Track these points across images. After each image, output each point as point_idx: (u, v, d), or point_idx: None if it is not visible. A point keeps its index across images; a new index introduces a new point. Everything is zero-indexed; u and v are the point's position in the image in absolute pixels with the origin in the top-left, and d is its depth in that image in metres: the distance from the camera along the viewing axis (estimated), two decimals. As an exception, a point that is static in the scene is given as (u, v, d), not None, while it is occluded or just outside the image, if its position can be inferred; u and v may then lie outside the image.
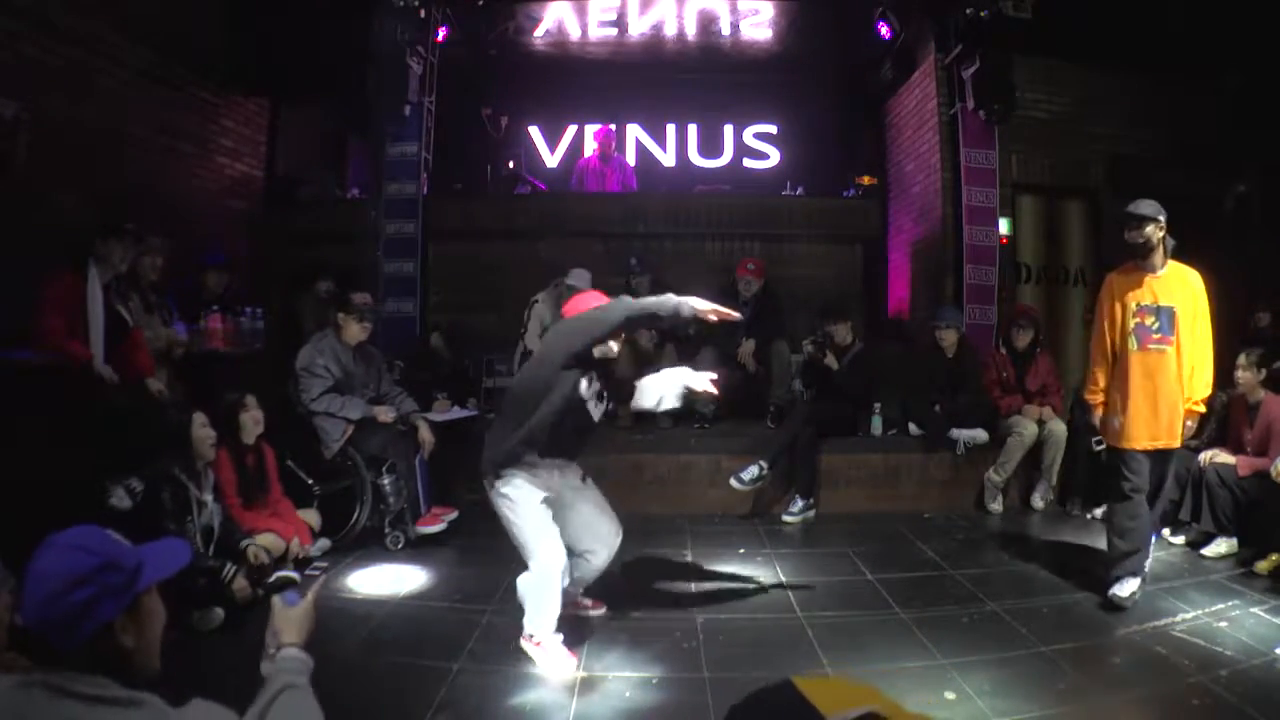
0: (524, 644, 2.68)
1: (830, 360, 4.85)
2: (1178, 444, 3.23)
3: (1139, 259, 3.21)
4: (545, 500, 2.68)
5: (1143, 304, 3.18)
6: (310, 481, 3.91)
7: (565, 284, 5.11)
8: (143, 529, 2.75)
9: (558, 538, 2.67)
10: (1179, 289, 3.18)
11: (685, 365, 5.28)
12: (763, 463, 4.38)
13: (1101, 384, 3.31)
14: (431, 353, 5.24)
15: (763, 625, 3.01)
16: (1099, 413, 3.35)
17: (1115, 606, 3.11)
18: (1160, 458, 3.25)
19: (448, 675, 2.54)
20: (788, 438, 4.53)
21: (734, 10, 7.40)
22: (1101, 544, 4.03)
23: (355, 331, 4.01)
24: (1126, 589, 3.14)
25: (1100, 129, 6.20)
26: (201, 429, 3.17)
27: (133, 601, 1.19)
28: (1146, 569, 3.26)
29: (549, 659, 2.62)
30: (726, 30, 7.41)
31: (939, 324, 4.89)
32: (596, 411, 2.77)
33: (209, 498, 3.12)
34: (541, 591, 2.62)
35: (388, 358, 4.52)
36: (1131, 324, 3.19)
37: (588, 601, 3.09)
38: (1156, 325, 3.16)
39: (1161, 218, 3.14)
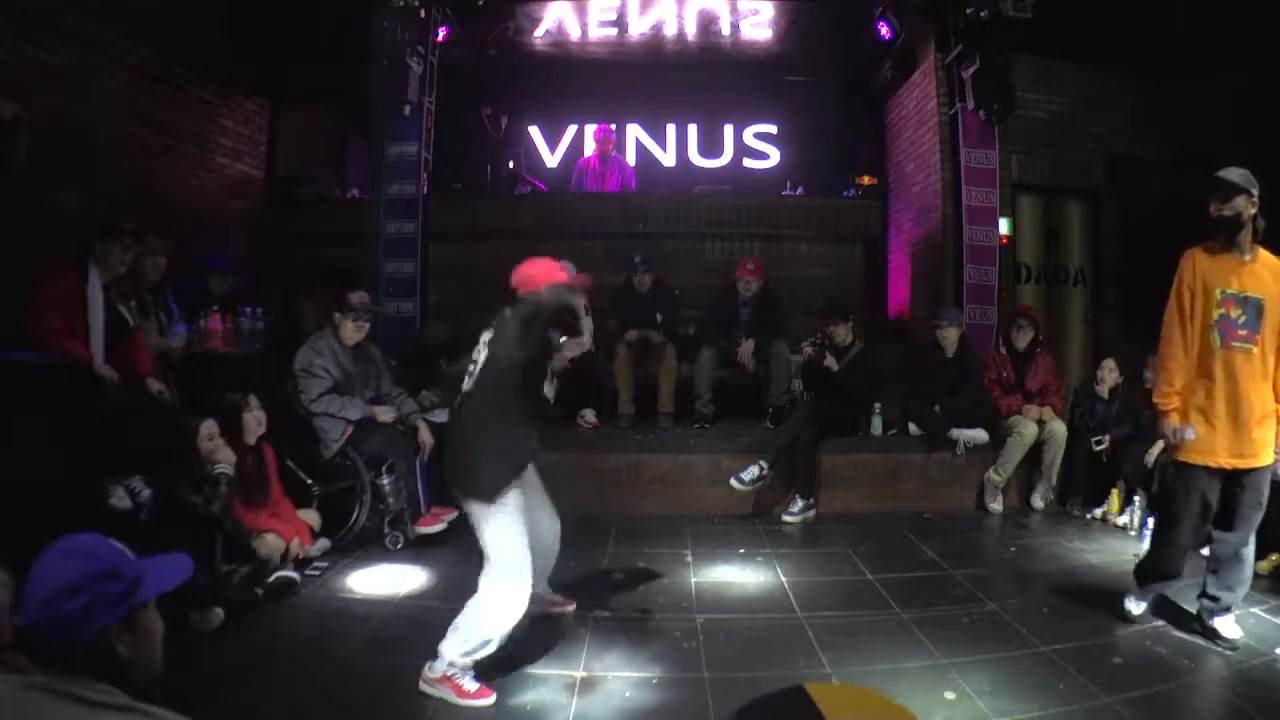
0: (432, 683, 2.40)
1: (830, 362, 4.85)
2: (1265, 461, 2.75)
3: (1226, 237, 2.75)
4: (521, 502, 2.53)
5: (1228, 292, 2.71)
6: (310, 481, 3.90)
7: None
8: (153, 533, 2.77)
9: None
10: (1269, 279, 2.73)
11: (685, 364, 5.38)
12: (763, 463, 4.39)
13: (1177, 384, 2.80)
14: (426, 349, 5.19)
15: (763, 625, 3.01)
16: (1173, 421, 2.79)
17: (1121, 615, 3.00)
18: (1240, 478, 2.76)
19: (448, 675, 2.53)
20: (788, 438, 4.53)
21: (734, 10, 7.41)
22: (1101, 544, 4.06)
23: (351, 331, 4.01)
24: (1139, 607, 3.01)
25: (1100, 129, 6.20)
26: (207, 441, 3.15)
27: (130, 612, 1.19)
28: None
29: (468, 698, 2.37)
30: (726, 30, 7.42)
31: (940, 323, 4.88)
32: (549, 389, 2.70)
33: (216, 507, 3.11)
34: (507, 610, 2.40)
35: (385, 357, 4.51)
36: (1215, 315, 2.72)
37: (559, 598, 3.04)
38: (1243, 319, 2.70)
39: (1254, 191, 2.70)
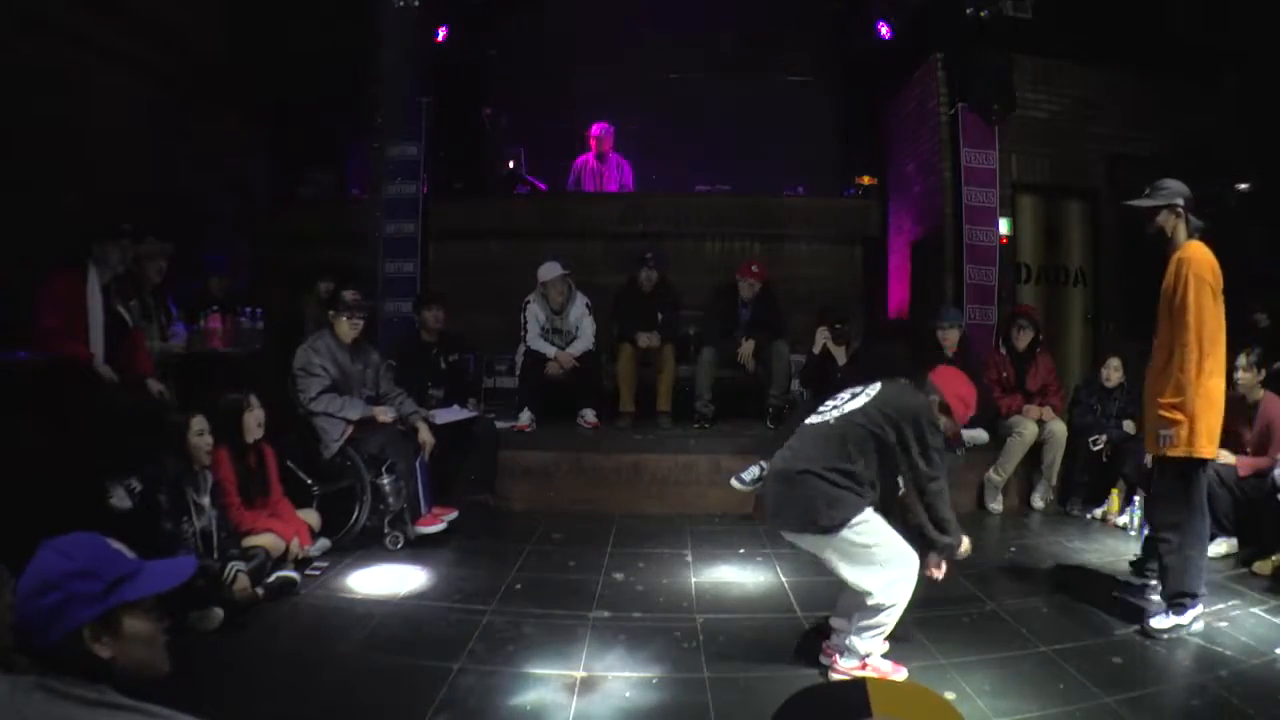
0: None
1: (838, 353, 4.85)
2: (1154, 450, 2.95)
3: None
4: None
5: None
6: (310, 481, 3.90)
7: (541, 283, 5.16)
8: (141, 531, 2.76)
9: None
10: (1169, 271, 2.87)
11: (685, 364, 5.37)
12: (764, 463, 4.37)
13: None
14: (421, 346, 5.15)
15: (763, 625, 3.01)
16: None
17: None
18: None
19: (448, 675, 2.53)
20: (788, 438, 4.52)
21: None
22: (1101, 544, 4.07)
23: (345, 329, 4.01)
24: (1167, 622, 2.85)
25: (1100, 129, 6.19)
26: (197, 437, 3.10)
27: (108, 613, 1.16)
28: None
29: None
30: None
31: (941, 324, 4.88)
32: None
33: (206, 500, 3.11)
34: (896, 611, 2.46)
35: (385, 358, 4.50)
36: None
37: None
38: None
39: (1175, 201, 2.85)
